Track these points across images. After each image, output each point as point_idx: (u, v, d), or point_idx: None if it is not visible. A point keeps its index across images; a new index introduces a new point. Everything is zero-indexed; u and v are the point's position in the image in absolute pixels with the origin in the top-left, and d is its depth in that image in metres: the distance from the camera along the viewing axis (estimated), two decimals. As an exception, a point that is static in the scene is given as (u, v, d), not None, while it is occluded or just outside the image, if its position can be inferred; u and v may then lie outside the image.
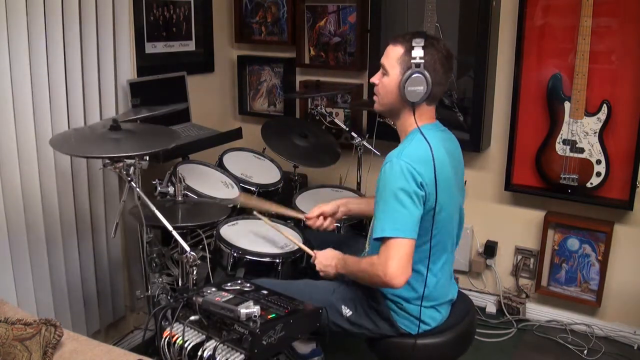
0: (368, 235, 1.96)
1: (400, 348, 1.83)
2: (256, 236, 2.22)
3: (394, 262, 1.62)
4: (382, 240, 1.65)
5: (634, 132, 2.48)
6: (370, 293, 1.85)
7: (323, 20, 3.12)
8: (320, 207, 2.11)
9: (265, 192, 2.55)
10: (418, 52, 1.68)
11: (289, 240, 2.12)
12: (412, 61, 1.69)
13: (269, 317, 1.51)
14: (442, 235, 1.77)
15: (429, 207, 1.68)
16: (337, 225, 2.24)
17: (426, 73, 1.68)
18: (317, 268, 1.93)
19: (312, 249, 2.17)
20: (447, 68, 1.74)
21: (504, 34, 2.74)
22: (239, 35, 3.37)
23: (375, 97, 1.84)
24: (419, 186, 1.65)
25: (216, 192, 2.35)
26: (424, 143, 1.69)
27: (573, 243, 2.80)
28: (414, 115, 1.75)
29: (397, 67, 1.73)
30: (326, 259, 1.92)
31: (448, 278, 1.89)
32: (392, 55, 1.75)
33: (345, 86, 3.14)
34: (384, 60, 1.78)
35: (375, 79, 1.82)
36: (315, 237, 2.23)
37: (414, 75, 1.69)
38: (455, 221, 1.87)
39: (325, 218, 2.11)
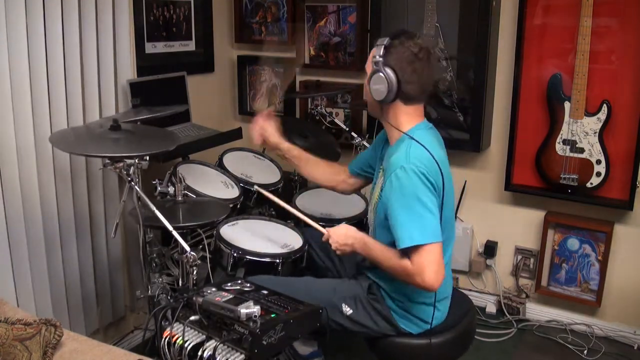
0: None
1: (400, 348, 1.83)
2: (256, 236, 2.22)
3: (430, 269, 1.61)
4: (414, 247, 1.63)
5: (634, 132, 2.48)
6: (371, 292, 1.85)
7: (323, 20, 3.12)
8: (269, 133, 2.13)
9: (265, 192, 2.55)
10: (378, 51, 1.72)
11: (301, 217, 2.07)
12: (372, 60, 1.73)
13: (269, 317, 1.51)
14: (447, 231, 1.77)
15: (438, 205, 1.70)
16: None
17: (387, 71, 1.70)
18: (333, 247, 1.86)
19: (310, 246, 2.17)
20: (418, 66, 1.72)
21: (504, 34, 2.74)
22: (239, 35, 3.37)
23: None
24: (434, 187, 1.66)
25: (216, 192, 2.35)
26: (420, 146, 1.70)
27: (573, 243, 2.80)
28: (386, 113, 1.78)
29: (370, 68, 1.77)
30: (341, 237, 1.84)
31: (449, 273, 1.89)
32: (370, 57, 1.79)
33: (345, 86, 3.14)
34: (367, 62, 1.82)
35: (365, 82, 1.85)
36: (315, 238, 2.23)
37: (375, 75, 1.72)
38: (452, 215, 1.88)
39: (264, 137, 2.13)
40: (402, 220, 1.65)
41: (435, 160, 1.68)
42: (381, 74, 1.70)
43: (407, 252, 1.65)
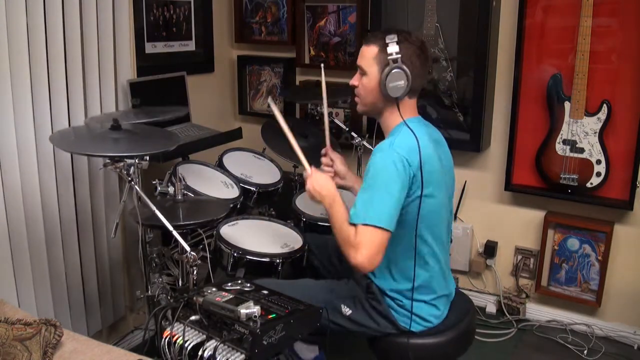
0: None
1: (401, 346, 1.83)
2: (256, 236, 2.22)
3: (366, 250, 1.65)
4: (360, 224, 1.67)
5: (634, 132, 2.48)
6: (369, 291, 1.86)
7: (323, 20, 3.12)
8: (339, 164, 2.08)
9: (265, 192, 2.55)
10: (393, 48, 1.71)
11: (294, 148, 2.00)
12: (389, 57, 1.71)
13: (269, 317, 1.51)
14: (431, 225, 1.78)
15: (416, 196, 1.71)
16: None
17: (405, 67, 1.71)
18: (307, 186, 1.88)
19: (310, 250, 2.17)
20: (424, 59, 1.76)
21: (504, 34, 2.74)
22: (239, 35, 3.37)
23: (356, 99, 1.86)
24: (409, 177, 1.67)
25: (216, 192, 2.35)
26: (411, 134, 1.72)
27: (573, 243, 2.80)
28: (399, 109, 1.78)
29: (375, 66, 1.75)
30: (319, 183, 1.85)
31: (443, 270, 1.89)
32: (368, 55, 1.77)
33: (346, 86, 3.14)
34: (359, 61, 1.80)
35: (354, 81, 1.84)
36: (314, 241, 2.23)
37: (393, 71, 1.71)
38: (446, 211, 1.88)
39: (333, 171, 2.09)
40: (363, 198, 1.69)
41: (419, 151, 1.68)
42: (400, 70, 1.71)
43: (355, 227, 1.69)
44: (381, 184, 1.67)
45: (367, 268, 1.67)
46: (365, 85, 1.79)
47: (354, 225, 1.68)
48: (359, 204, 1.70)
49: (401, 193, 1.67)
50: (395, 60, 1.71)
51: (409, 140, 1.71)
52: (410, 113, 1.82)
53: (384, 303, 1.83)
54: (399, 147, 1.69)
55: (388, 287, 1.83)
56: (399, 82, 1.72)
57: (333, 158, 2.10)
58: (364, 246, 1.65)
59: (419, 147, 1.69)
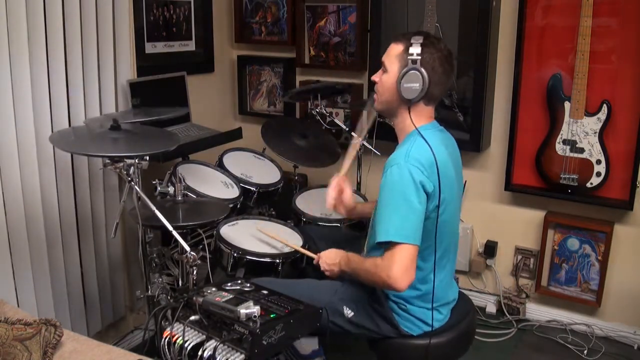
0: (367, 238, 1.96)
1: (402, 349, 1.83)
2: (256, 236, 2.22)
3: (398, 267, 1.62)
4: (388, 244, 1.64)
5: (634, 132, 2.48)
6: (372, 294, 1.85)
7: (323, 20, 3.12)
8: (348, 198, 2.05)
9: (265, 192, 2.55)
10: (415, 49, 1.68)
11: (291, 246, 2.11)
12: (409, 57, 1.69)
13: (269, 317, 1.51)
14: (445, 235, 1.77)
15: (433, 208, 1.68)
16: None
17: (422, 70, 1.68)
18: (322, 268, 1.93)
19: (313, 249, 2.17)
20: (447, 69, 1.73)
21: (504, 34, 2.74)
22: (239, 35, 3.37)
23: (375, 96, 1.84)
24: (425, 189, 1.65)
25: (216, 192, 2.35)
26: (426, 145, 1.69)
27: (573, 243, 2.80)
28: (409, 113, 1.75)
29: (396, 64, 1.73)
30: (330, 258, 1.92)
31: (450, 279, 1.89)
32: (393, 52, 1.75)
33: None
34: (384, 57, 1.78)
35: (375, 77, 1.82)
36: (316, 236, 2.23)
37: (410, 72, 1.69)
38: (457, 221, 1.88)
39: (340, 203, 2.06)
40: (384, 215, 1.66)
41: (436, 163, 1.66)
42: (418, 72, 1.68)
43: (380, 247, 1.68)
44: (400, 199, 1.63)
45: (400, 286, 1.63)
46: (384, 82, 1.77)
47: (382, 243, 1.65)
48: (381, 222, 1.67)
49: (422, 206, 1.64)
50: (414, 62, 1.68)
51: (424, 151, 1.67)
52: (425, 120, 1.78)
53: (387, 307, 1.83)
54: (414, 159, 1.65)
55: (393, 293, 1.81)
56: (413, 84, 1.68)
57: (344, 189, 2.04)
58: (395, 264, 1.62)
59: (435, 158, 1.66)
